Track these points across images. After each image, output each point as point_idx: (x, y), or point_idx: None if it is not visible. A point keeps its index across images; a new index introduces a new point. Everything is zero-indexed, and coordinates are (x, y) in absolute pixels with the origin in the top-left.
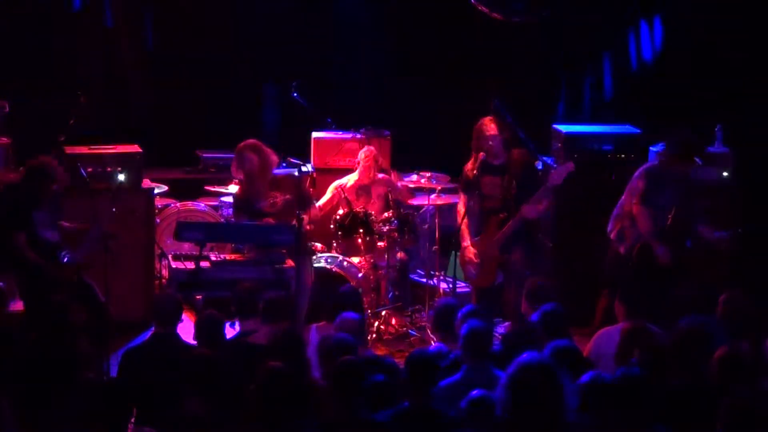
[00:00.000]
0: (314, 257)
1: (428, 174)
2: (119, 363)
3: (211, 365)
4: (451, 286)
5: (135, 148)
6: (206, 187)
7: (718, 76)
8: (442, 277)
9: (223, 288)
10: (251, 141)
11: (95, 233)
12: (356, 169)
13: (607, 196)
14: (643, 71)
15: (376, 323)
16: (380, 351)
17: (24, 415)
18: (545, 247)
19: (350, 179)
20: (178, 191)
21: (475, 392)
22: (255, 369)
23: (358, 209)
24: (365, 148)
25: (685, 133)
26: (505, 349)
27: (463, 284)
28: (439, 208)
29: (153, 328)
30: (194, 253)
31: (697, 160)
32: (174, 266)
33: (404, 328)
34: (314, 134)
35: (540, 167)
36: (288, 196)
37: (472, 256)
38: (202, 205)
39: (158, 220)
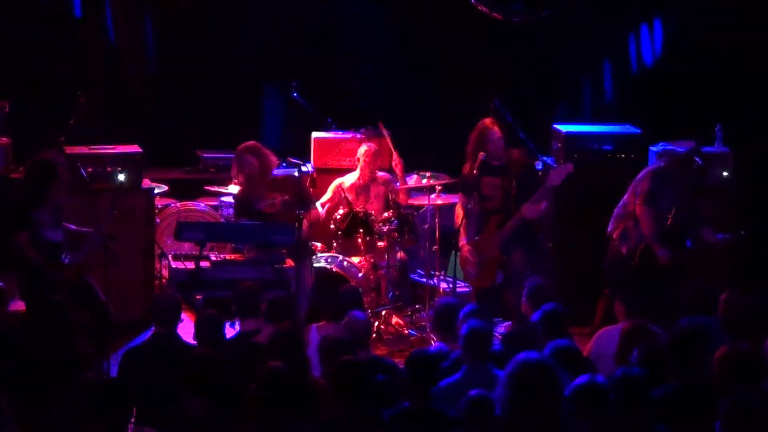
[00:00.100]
0: (314, 257)
1: (428, 174)
2: (119, 363)
3: (211, 365)
4: (451, 286)
5: (135, 148)
6: (206, 187)
7: (718, 77)
8: (442, 277)
9: (223, 288)
10: (250, 143)
11: (97, 235)
12: (357, 167)
13: (607, 196)
14: (643, 71)
15: (376, 323)
16: (380, 351)
17: (24, 415)
18: (545, 247)
19: (350, 178)
20: (178, 191)
21: (473, 392)
22: (255, 369)
23: (358, 209)
24: (364, 146)
25: (691, 144)
26: (505, 349)
27: (463, 284)
28: (439, 208)
29: (153, 328)
30: (194, 253)
31: (697, 159)
32: (174, 266)
33: (404, 328)
34: (314, 134)
35: (540, 167)
36: (287, 197)
37: (467, 254)
38: (202, 205)
39: (158, 220)
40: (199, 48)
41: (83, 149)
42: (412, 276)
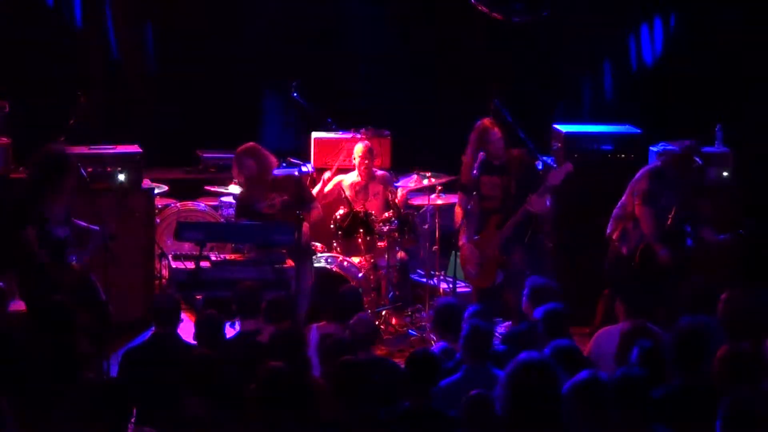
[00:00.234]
0: (314, 257)
1: (428, 174)
2: (119, 363)
3: (211, 365)
4: (451, 286)
5: (135, 148)
6: (206, 187)
7: (718, 77)
8: (442, 277)
9: (223, 288)
10: (249, 145)
11: (103, 233)
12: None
13: (607, 196)
14: (643, 71)
15: (376, 323)
16: (380, 351)
17: (24, 415)
18: (545, 247)
19: (350, 177)
20: (178, 191)
21: (473, 392)
22: (255, 369)
23: (358, 209)
24: (360, 144)
25: (690, 142)
26: (506, 349)
27: (463, 284)
28: (439, 208)
29: (153, 328)
30: (194, 253)
31: (696, 159)
32: (174, 266)
33: (404, 328)
34: (314, 134)
35: (540, 167)
36: (286, 197)
37: (467, 252)
38: (202, 205)
39: (158, 220)
40: (199, 48)
41: (83, 149)
42: (412, 276)
